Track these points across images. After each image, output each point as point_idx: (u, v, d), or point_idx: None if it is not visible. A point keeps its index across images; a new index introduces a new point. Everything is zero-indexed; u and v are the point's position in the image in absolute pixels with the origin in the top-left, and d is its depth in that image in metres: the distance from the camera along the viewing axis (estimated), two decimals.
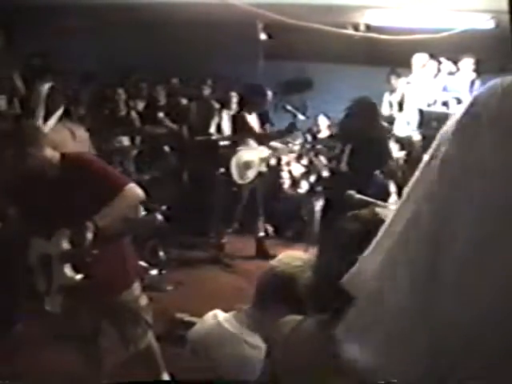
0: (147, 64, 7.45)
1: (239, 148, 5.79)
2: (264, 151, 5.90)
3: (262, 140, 5.90)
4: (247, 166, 5.78)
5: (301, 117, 6.09)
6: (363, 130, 4.78)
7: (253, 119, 5.89)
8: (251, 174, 5.80)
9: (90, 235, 2.64)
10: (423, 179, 0.92)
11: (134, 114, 6.56)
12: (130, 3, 6.02)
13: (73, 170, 2.77)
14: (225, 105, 6.54)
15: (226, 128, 6.13)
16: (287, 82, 6.23)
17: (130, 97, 6.87)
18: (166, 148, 6.66)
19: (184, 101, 7.47)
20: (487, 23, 5.55)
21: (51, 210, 2.73)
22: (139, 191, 2.84)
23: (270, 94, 5.91)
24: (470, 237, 0.84)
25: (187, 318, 3.77)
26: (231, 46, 7.17)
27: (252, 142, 5.84)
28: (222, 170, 5.86)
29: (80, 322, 2.97)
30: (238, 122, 5.85)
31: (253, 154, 5.81)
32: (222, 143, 6.06)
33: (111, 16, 6.27)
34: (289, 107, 5.98)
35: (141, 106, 7.11)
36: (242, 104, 6.01)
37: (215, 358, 1.97)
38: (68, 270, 2.75)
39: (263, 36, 6.50)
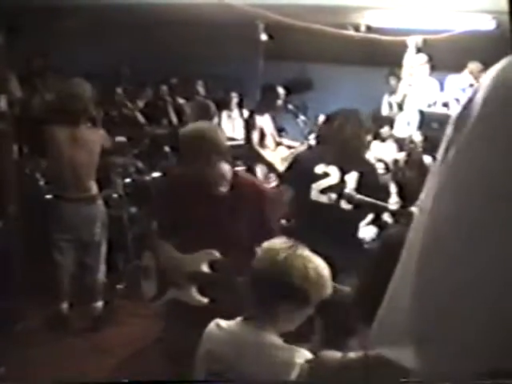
0: (147, 64, 7.44)
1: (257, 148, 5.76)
2: (283, 151, 5.85)
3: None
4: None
5: (302, 117, 6.09)
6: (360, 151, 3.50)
7: (265, 121, 5.83)
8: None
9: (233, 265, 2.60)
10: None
11: (133, 113, 6.54)
12: (129, 4, 6.02)
13: (244, 193, 2.69)
14: (224, 105, 6.52)
15: (227, 129, 6.09)
16: (287, 82, 6.21)
17: (130, 97, 6.85)
18: (167, 148, 6.63)
19: (181, 100, 7.44)
20: (488, 24, 5.54)
21: (203, 226, 2.63)
22: None
23: (282, 93, 5.83)
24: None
25: None
26: (232, 46, 7.16)
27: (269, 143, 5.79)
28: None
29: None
30: (250, 124, 5.79)
31: (273, 154, 5.77)
32: (233, 143, 6.05)
33: (110, 17, 6.26)
34: (291, 107, 5.97)
35: (140, 105, 7.09)
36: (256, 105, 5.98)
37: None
38: (194, 292, 2.69)
39: (264, 36, 6.48)
